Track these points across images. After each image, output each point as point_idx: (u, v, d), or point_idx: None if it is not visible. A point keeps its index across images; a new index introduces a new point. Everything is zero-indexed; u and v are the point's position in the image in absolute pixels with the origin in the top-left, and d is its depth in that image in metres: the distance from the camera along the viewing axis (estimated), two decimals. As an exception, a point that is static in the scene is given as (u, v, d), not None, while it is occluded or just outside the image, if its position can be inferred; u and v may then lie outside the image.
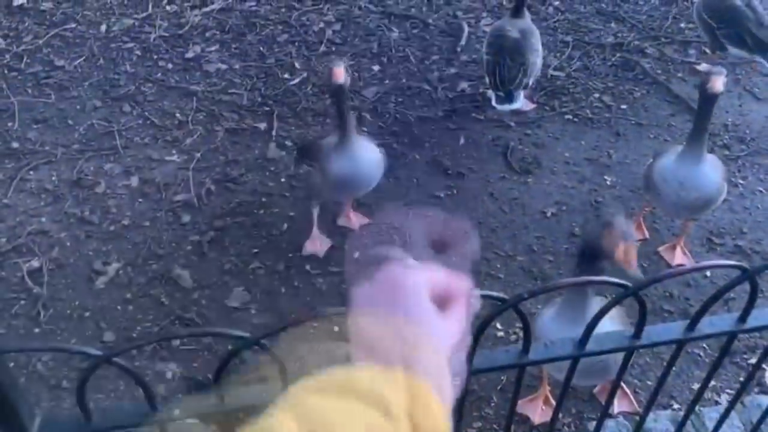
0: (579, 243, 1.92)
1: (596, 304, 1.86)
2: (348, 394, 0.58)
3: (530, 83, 3.29)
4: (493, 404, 2.30)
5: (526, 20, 3.41)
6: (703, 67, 3.71)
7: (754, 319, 1.22)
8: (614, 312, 1.91)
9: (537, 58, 3.27)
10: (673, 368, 2.31)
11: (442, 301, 0.71)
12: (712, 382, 2.30)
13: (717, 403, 2.27)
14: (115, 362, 0.96)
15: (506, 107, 3.21)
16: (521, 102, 3.24)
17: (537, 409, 2.25)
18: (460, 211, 3.01)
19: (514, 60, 3.17)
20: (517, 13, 3.34)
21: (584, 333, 1.17)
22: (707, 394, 2.30)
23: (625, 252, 1.78)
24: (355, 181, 2.58)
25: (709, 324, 1.23)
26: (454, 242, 0.75)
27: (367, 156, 2.57)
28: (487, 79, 3.30)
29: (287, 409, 0.58)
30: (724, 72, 2.36)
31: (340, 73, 2.35)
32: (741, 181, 3.22)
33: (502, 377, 2.34)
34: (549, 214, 3.02)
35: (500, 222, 2.98)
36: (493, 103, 3.22)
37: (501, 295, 1.06)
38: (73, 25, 4.04)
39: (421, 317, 0.67)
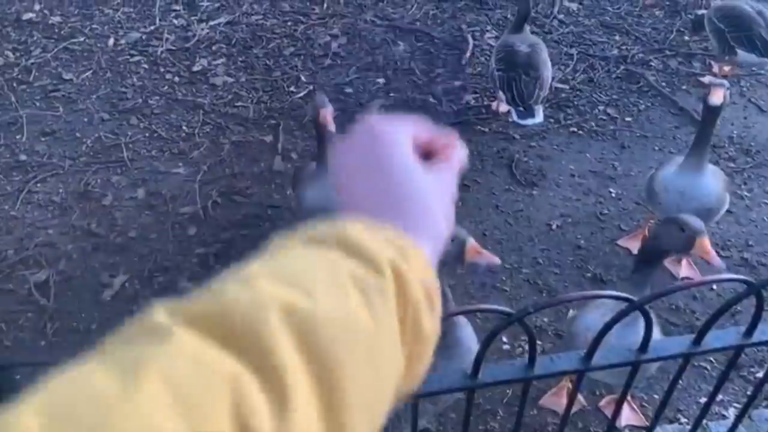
0: (644, 243, 1.95)
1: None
2: (332, 246, 0.53)
3: (543, 97, 3.30)
4: (498, 417, 2.29)
5: (528, 34, 3.43)
6: (706, 79, 3.71)
7: (761, 333, 1.22)
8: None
9: (548, 71, 3.29)
10: (680, 382, 2.31)
11: (426, 155, 0.67)
12: (719, 396, 2.29)
13: (724, 417, 2.26)
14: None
15: (529, 122, 3.20)
16: (541, 116, 3.23)
17: (563, 399, 2.25)
18: (466, 223, 3.02)
19: (528, 75, 3.18)
20: (518, 28, 3.35)
21: (591, 346, 1.17)
22: (714, 408, 2.29)
23: (702, 246, 1.82)
24: (326, 212, 2.53)
25: (715, 338, 1.23)
26: (439, 150, 0.69)
27: None
28: (502, 96, 3.28)
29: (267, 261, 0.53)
30: (726, 84, 2.37)
31: (327, 118, 2.34)
32: (747, 194, 3.22)
33: (508, 390, 2.33)
34: (554, 227, 3.02)
35: (505, 234, 2.98)
36: (515, 118, 3.21)
37: (506, 309, 1.06)
38: (81, 39, 4.08)
39: (404, 169, 0.62)
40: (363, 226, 0.55)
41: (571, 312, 2.21)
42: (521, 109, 3.17)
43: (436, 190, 0.63)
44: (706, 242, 1.84)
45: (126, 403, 0.37)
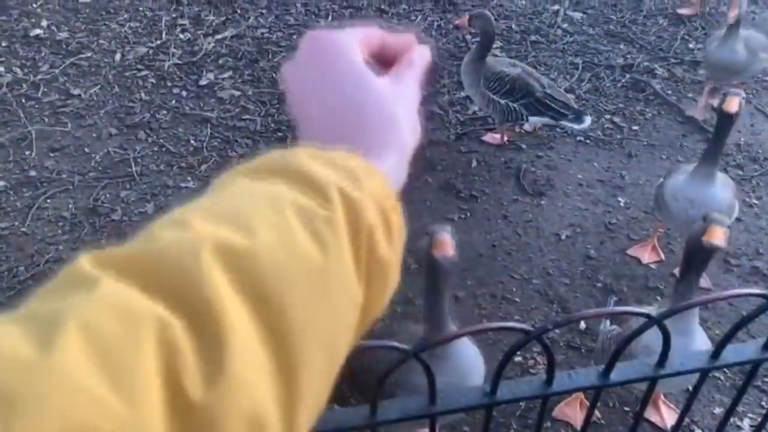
0: (685, 249, 1.93)
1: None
2: (276, 176, 0.49)
3: None
4: (512, 430, 2.28)
5: (495, 58, 3.43)
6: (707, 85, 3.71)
7: (780, 347, 1.21)
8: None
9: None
10: (694, 392, 2.30)
11: (385, 62, 0.62)
12: (733, 406, 2.28)
13: (739, 428, 2.24)
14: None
15: (586, 123, 3.21)
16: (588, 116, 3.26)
17: (576, 411, 2.26)
18: (474, 234, 3.02)
19: (544, 87, 3.22)
20: (485, 56, 3.25)
21: (609, 363, 1.16)
22: (731, 419, 2.27)
23: (710, 231, 1.80)
24: None
25: (733, 352, 1.22)
26: (399, 54, 0.63)
27: None
28: (535, 120, 3.28)
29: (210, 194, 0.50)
30: (741, 93, 2.37)
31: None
32: (756, 201, 3.21)
33: (521, 403, 2.33)
34: (563, 237, 3.01)
35: (515, 245, 2.98)
36: (574, 126, 3.24)
37: (525, 326, 1.06)
38: (89, 54, 4.11)
39: (355, 80, 0.57)
40: (310, 153, 0.51)
41: (605, 325, 2.21)
42: (572, 116, 3.19)
43: (395, 97, 0.59)
44: (715, 228, 1.80)
45: (43, 363, 0.34)
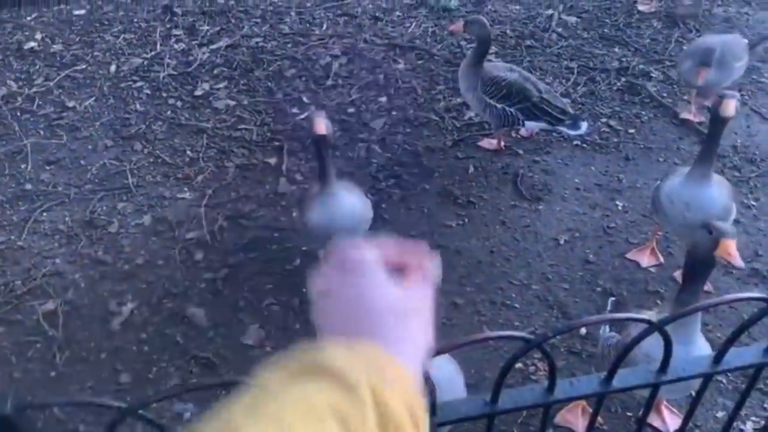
0: (686, 258, 1.92)
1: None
2: (313, 374, 0.56)
3: None
4: (514, 437, 2.27)
5: (493, 63, 3.42)
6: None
7: (782, 351, 1.20)
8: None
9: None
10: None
11: (399, 272, 0.71)
12: (736, 409, 2.27)
13: (742, 431, 2.23)
14: (141, 415, 0.96)
15: (583, 129, 3.24)
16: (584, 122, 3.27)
17: (578, 417, 2.25)
18: (473, 241, 3.01)
19: (541, 92, 3.22)
20: (482, 60, 3.24)
21: (610, 369, 1.15)
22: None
23: (725, 247, 1.78)
24: (331, 231, 2.48)
25: (735, 356, 1.21)
26: (413, 265, 0.73)
27: (346, 206, 2.53)
28: (531, 125, 3.29)
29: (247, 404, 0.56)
30: (737, 95, 2.37)
31: (321, 125, 2.34)
32: (753, 203, 3.21)
33: (523, 411, 2.31)
34: (562, 241, 3.01)
35: (513, 250, 2.97)
36: (570, 132, 3.26)
37: (526, 335, 1.05)
38: (83, 66, 4.10)
39: (378, 294, 0.66)
40: (343, 351, 0.58)
41: (605, 331, 2.19)
42: (569, 121, 3.20)
43: (412, 305, 0.67)
44: (729, 244, 1.80)
45: None
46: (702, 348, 1.91)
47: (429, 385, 1.09)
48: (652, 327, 1.10)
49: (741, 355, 1.23)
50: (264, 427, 0.50)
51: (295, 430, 0.51)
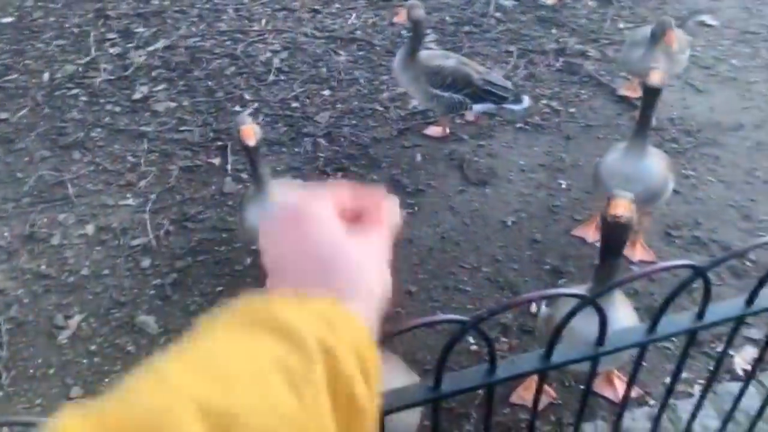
0: (601, 232, 1.94)
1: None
2: (258, 327, 0.52)
3: None
4: (473, 420, 2.29)
5: (428, 51, 3.42)
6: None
7: (712, 314, 1.24)
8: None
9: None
10: (645, 364, 2.35)
11: (355, 219, 0.68)
12: (684, 374, 2.34)
13: (691, 395, 2.30)
14: None
15: (525, 104, 3.31)
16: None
17: (532, 396, 2.28)
18: (423, 228, 3.03)
19: (480, 73, 3.26)
20: (415, 52, 3.22)
21: (548, 346, 1.17)
22: (681, 387, 2.33)
23: (613, 205, 1.81)
24: None
25: (669, 323, 1.25)
26: (369, 210, 0.69)
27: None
28: (476, 108, 3.33)
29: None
30: (663, 67, 2.43)
31: (249, 134, 2.28)
32: (692, 173, 3.30)
33: (479, 392, 2.33)
34: (509, 223, 3.05)
35: (463, 235, 3.00)
36: (514, 108, 3.33)
37: (460, 317, 1.06)
38: (15, 76, 3.98)
39: (330, 243, 0.62)
40: (292, 303, 0.55)
41: (544, 308, 2.23)
42: (512, 98, 3.27)
43: (366, 253, 0.64)
44: (616, 201, 1.83)
45: None
46: (626, 316, 1.96)
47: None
48: (585, 301, 1.13)
49: (674, 323, 1.27)
50: (202, 381, 0.47)
51: (235, 384, 0.47)
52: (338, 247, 0.63)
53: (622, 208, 1.82)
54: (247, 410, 0.46)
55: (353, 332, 0.56)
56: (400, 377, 1.75)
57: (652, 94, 2.42)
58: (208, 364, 0.49)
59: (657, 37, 3.24)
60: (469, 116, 3.61)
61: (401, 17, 3.24)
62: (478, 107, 3.33)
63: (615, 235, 1.88)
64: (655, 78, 2.37)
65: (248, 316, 0.54)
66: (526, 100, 3.32)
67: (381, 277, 0.65)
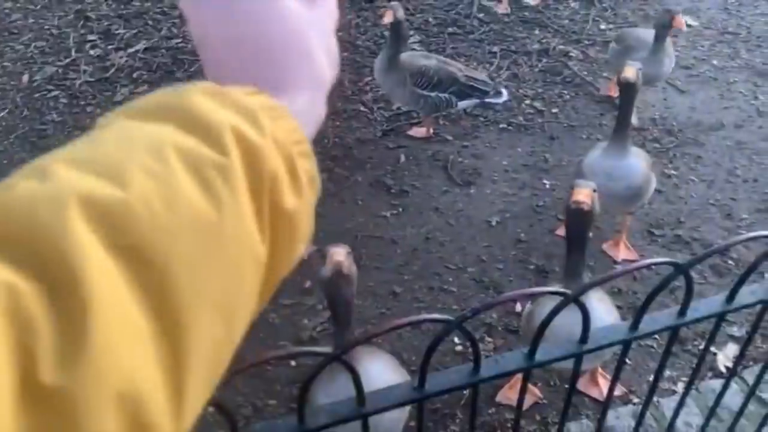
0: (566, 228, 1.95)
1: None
2: (162, 117, 0.43)
3: None
4: (458, 420, 2.29)
5: (409, 53, 3.42)
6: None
7: (694, 311, 1.25)
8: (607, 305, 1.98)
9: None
10: (629, 362, 2.36)
11: None
12: (668, 372, 2.36)
13: (675, 392, 2.31)
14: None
15: (504, 97, 3.36)
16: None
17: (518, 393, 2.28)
18: (408, 228, 3.02)
19: (462, 71, 3.29)
20: (399, 51, 3.25)
21: (532, 344, 1.17)
22: (665, 385, 2.35)
23: (576, 193, 1.82)
24: None
25: (651, 321, 1.25)
26: None
27: None
28: (463, 104, 3.35)
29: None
30: (638, 64, 2.45)
31: None
32: (674, 172, 3.32)
33: (465, 392, 2.34)
34: (494, 223, 3.05)
35: (448, 236, 3.00)
36: (495, 101, 3.37)
37: (445, 317, 1.06)
38: (-7, 78, 3.92)
39: (269, 11, 0.52)
40: (206, 90, 0.45)
41: (528, 306, 2.23)
42: (492, 92, 3.31)
43: (310, 25, 0.53)
44: (578, 190, 1.84)
45: None
46: (607, 312, 1.96)
47: (354, 376, 1.08)
48: (567, 299, 1.13)
49: (656, 320, 1.27)
50: (86, 172, 0.39)
51: (129, 176, 0.39)
52: (279, 16, 0.52)
53: (584, 195, 1.83)
54: (144, 204, 0.38)
55: (284, 132, 0.47)
56: (391, 374, 1.75)
57: (628, 89, 2.44)
58: (98, 154, 0.41)
59: (666, 26, 3.22)
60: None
61: (389, 17, 3.24)
62: (462, 104, 3.34)
63: (577, 223, 1.90)
64: (628, 73, 2.39)
65: (152, 106, 0.45)
66: (505, 93, 3.37)
67: (330, 55, 0.56)
